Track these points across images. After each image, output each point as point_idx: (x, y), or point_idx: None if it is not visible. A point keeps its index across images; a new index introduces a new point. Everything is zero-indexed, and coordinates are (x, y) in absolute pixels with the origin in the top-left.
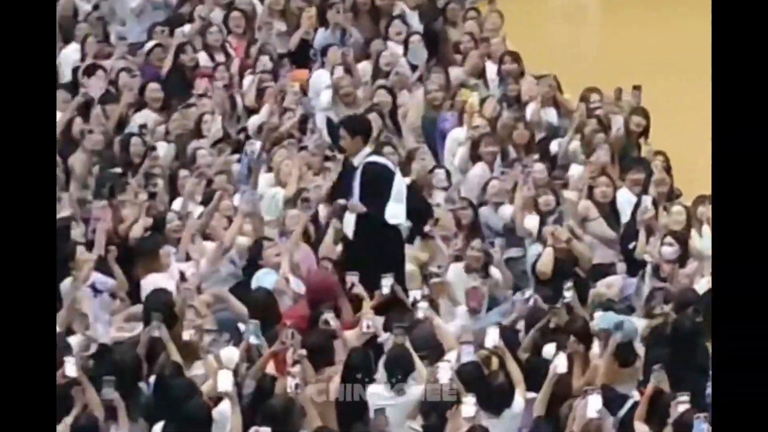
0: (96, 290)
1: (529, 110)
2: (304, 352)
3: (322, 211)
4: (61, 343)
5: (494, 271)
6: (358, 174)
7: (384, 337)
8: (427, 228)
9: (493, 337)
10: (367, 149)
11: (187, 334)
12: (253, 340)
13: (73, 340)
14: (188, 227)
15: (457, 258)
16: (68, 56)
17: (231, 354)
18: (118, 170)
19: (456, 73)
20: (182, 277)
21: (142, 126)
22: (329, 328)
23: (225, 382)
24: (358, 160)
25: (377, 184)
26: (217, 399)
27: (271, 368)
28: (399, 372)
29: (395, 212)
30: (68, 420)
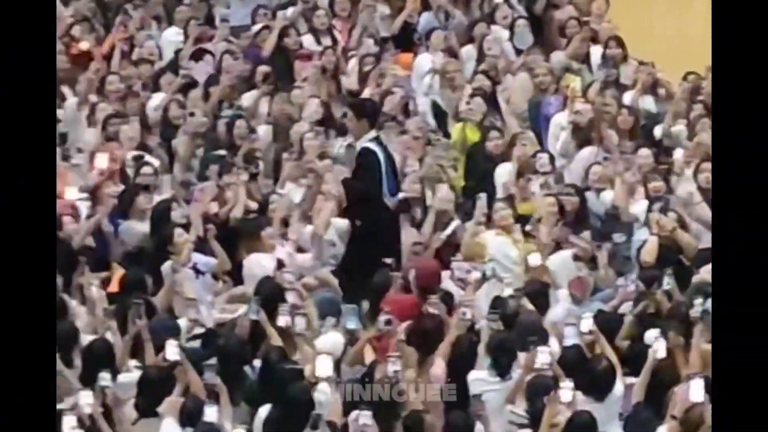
0: (198, 271)
1: (629, 96)
2: (403, 337)
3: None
4: (161, 325)
5: (601, 263)
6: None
7: (481, 323)
8: (528, 227)
9: (588, 322)
10: (372, 133)
11: (282, 320)
12: (351, 324)
13: (182, 323)
14: (278, 210)
15: (558, 245)
16: (167, 38)
17: (335, 338)
18: (223, 152)
19: (558, 57)
20: (279, 263)
21: (239, 107)
22: (435, 314)
23: (325, 367)
24: (360, 144)
25: (367, 168)
26: (317, 382)
27: (372, 354)
28: (502, 358)
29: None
30: (172, 399)
